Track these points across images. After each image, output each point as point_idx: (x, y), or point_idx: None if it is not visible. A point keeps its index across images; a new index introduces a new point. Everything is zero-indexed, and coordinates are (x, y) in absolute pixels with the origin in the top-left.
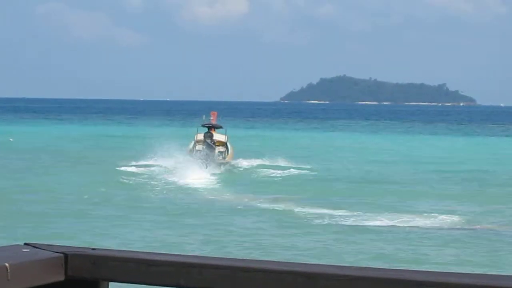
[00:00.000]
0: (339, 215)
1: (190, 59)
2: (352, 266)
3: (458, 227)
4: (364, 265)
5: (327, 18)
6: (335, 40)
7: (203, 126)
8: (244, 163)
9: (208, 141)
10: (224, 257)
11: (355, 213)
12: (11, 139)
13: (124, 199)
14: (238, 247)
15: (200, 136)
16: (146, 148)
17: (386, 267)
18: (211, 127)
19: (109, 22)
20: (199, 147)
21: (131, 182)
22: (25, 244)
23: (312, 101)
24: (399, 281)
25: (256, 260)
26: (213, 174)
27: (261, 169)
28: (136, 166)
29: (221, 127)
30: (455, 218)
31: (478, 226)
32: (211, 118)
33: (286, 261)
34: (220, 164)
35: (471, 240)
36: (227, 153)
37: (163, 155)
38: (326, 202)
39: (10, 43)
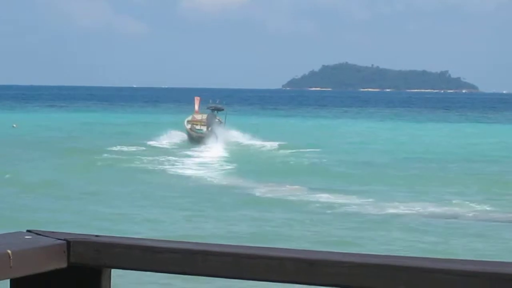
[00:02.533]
0: (344, 202)
1: (191, 47)
2: (355, 253)
3: (465, 214)
4: (368, 252)
5: (329, 6)
6: (337, 27)
7: (208, 108)
8: (245, 146)
9: (216, 120)
10: (228, 244)
11: (358, 200)
12: (14, 125)
13: (133, 185)
14: (242, 232)
15: (196, 117)
16: (152, 132)
17: (389, 254)
18: (214, 109)
19: (110, 9)
20: (201, 125)
21: (139, 167)
22: (28, 231)
23: (314, 88)
24: (402, 267)
25: (260, 247)
26: (223, 156)
27: (268, 154)
28: (143, 148)
29: (223, 109)
30: (459, 206)
31: (487, 215)
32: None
33: (289, 248)
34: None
35: (476, 228)
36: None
37: (169, 136)
38: (331, 188)
39: (11, 31)
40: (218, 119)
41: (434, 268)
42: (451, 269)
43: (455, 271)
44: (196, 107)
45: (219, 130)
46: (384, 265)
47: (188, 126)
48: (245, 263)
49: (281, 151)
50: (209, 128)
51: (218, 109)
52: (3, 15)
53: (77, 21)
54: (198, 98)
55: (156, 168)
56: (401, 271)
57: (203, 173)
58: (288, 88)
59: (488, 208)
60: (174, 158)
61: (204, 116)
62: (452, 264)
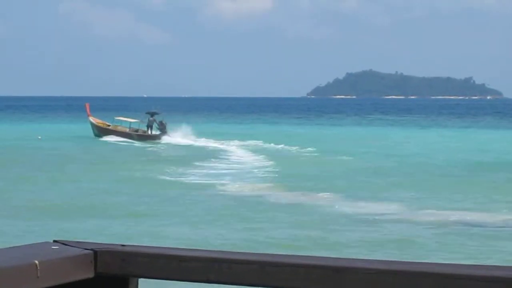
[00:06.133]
0: (371, 209)
1: (214, 56)
2: (380, 260)
3: (492, 221)
4: (392, 259)
5: (352, 13)
6: (360, 34)
7: (146, 113)
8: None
9: (162, 122)
10: (253, 252)
11: (386, 207)
12: (39, 137)
13: (154, 194)
14: (263, 241)
15: (124, 118)
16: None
17: (414, 261)
18: (153, 113)
19: (131, 19)
20: (140, 130)
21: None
22: (54, 241)
23: (339, 96)
24: (428, 274)
25: (285, 255)
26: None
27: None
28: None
29: (158, 113)
30: (487, 212)
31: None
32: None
33: (314, 255)
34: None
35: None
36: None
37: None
38: (363, 197)
39: (33, 42)
40: (161, 121)
41: (459, 274)
42: (477, 275)
43: (480, 277)
44: (88, 111)
45: (165, 129)
46: (409, 272)
47: (110, 127)
48: (270, 271)
49: (311, 156)
50: (148, 129)
51: (155, 113)
52: (24, 24)
53: (97, 31)
54: (88, 104)
55: (173, 177)
56: (426, 277)
57: (223, 180)
58: (313, 96)
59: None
60: (190, 167)
61: (134, 120)
62: (477, 270)
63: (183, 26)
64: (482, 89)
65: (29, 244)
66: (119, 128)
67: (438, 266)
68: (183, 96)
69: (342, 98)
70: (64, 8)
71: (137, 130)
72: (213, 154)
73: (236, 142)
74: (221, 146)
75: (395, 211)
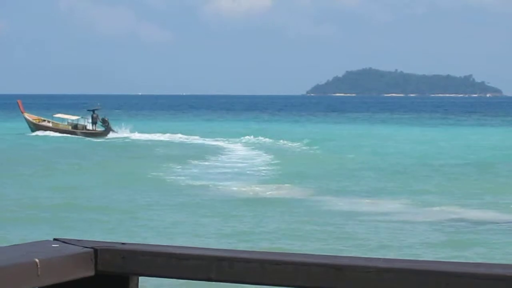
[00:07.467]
0: (372, 206)
1: (213, 54)
2: (380, 258)
3: (495, 218)
4: (391, 257)
5: (352, 11)
6: (360, 32)
7: (88, 110)
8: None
9: (105, 118)
10: (254, 250)
11: (387, 204)
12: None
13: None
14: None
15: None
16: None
17: (413, 259)
18: (94, 109)
19: (132, 17)
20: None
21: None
22: (55, 239)
23: (338, 94)
24: (428, 272)
25: (285, 253)
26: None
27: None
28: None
29: (99, 109)
30: (490, 209)
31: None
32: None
33: (314, 253)
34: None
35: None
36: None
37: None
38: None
39: (34, 40)
40: (103, 118)
41: (460, 272)
42: (478, 273)
43: (482, 275)
44: (21, 108)
45: (109, 125)
46: (409, 270)
47: (48, 124)
48: (271, 269)
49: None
50: (93, 126)
51: (95, 109)
52: (26, 23)
53: (98, 29)
54: (20, 100)
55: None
56: (427, 275)
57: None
58: (312, 94)
59: None
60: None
61: (74, 117)
62: (479, 268)
63: (183, 25)
64: (482, 87)
65: (30, 242)
66: (60, 126)
67: (439, 264)
68: (181, 94)
69: (341, 96)
70: (65, 5)
71: (76, 126)
72: (208, 151)
73: (226, 139)
74: (212, 143)
75: (395, 209)
